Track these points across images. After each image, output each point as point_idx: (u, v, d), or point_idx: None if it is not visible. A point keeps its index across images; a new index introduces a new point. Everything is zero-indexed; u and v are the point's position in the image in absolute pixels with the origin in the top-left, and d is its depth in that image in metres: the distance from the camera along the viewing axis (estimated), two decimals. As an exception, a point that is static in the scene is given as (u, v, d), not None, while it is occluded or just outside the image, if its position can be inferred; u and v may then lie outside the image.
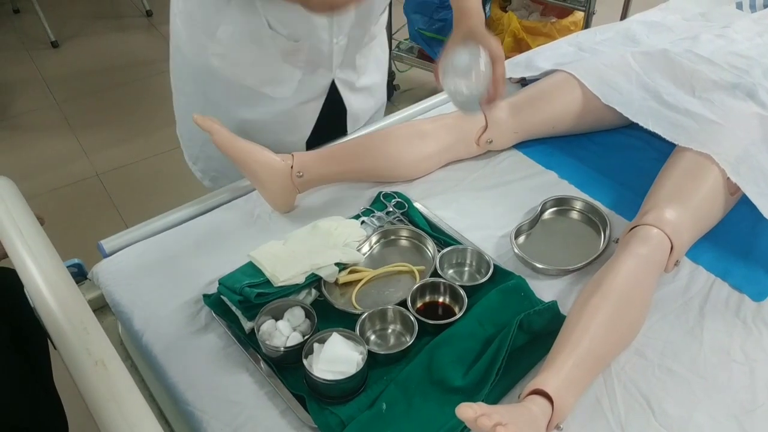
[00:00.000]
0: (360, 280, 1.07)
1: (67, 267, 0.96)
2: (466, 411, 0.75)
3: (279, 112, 1.29)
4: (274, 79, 1.25)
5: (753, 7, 1.69)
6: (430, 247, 1.12)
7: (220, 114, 1.16)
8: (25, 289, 0.91)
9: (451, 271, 1.09)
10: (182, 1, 1.22)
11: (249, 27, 1.17)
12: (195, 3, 1.20)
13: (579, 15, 2.43)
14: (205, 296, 1.04)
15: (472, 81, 1.01)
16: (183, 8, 1.23)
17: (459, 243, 1.12)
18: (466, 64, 1.01)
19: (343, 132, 1.41)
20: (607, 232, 1.15)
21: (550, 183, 1.28)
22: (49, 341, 1.08)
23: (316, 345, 0.93)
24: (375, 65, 1.39)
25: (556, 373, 0.86)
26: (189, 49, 1.25)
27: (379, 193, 1.24)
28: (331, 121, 1.38)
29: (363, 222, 1.17)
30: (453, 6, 1.17)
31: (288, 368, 0.95)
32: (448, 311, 1.02)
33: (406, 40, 2.86)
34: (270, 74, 1.24)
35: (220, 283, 1.02)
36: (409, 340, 0.95)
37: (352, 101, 1.37)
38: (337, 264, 1.05)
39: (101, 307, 1.12)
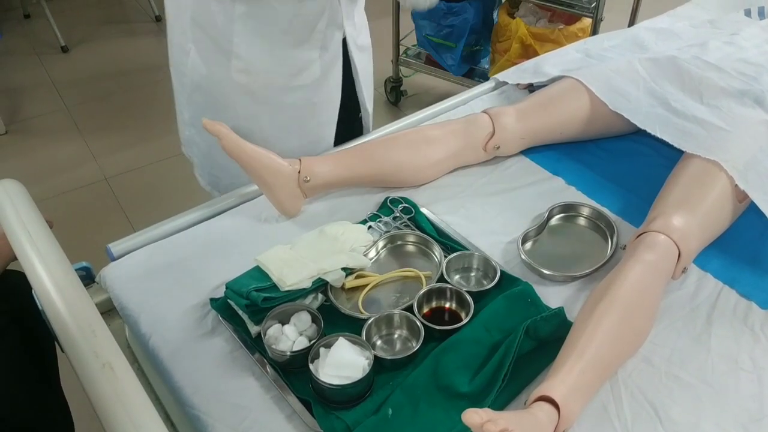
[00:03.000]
0: (366, 285, 1.07)
1: (76, 270, 0.96)
2: (473, 417, 0.74)
3: (309, 90, 1.32)
4: (301, 67, 1.28)
5: (761, 15, 1.68)
6: (437, 252, 1.12)
7: (244, 121, 1.21)
8: (33, 292, 0.92)
9: (457, 277, 1.09)
10: (191, 31, 1.25)
11: (260, 23, 1.19)
12: (204, 26, 1.23)
13: (587, 21, 2.42)
14: (212, 300, 1.04)
15: None
16: (194, 37, 1.26)
17: (466, 248, 1.12)
18: None
19: (356, 104, 1.44)
20: (615, 239, 1.15)
21: (558, 189, 1.28)
22: (56, 344, 1.09)
23: (322, 350, 0.93)
24: (364, 26, 1.41)
25: (563, 379, 0.86)
26: (210, 82, 1.29)
27: (386, 198, 1.24)
28: (345, 91, 1.41)
29: (370, 227, 1.18)
30: None
31: (294, 373, 0.95)
32: (455, 317, 1.02)
33: (413, 45, 2.87)
34: (297, 65, 1.27)
35: (227, 287, 1.03)
36: (416, 346, 0.95)
37: (358, 60, 1.39)
38: (343, 269, 1.05)
39: (109, 311, 1.12)
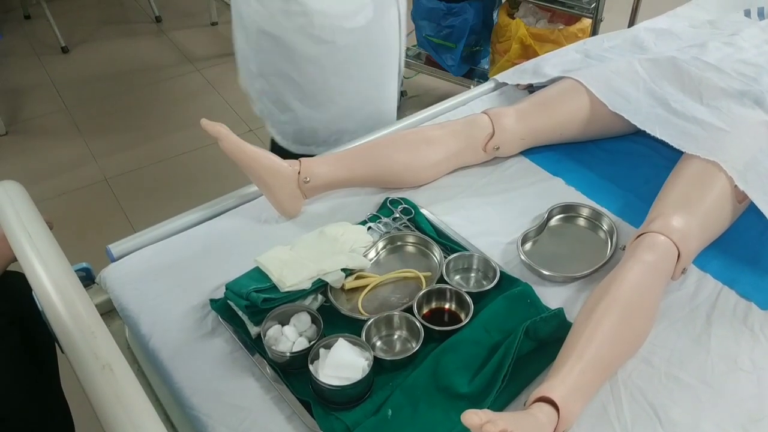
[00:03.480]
0: (366, 286, 1.07)
1: (76, 271, 0.96)
2: (472, 418, 0.74)
3: (364, 32, 1.36)
4: (355, 9, 1.32)
5: (761, 15, 1.68)
6: (437, 253, 1.12)
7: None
8: (33, 293, 0.92)
9: (457, 278, 1.10)
10: None
11: None
12: None
13: (586, 22, 2.42)
14: (212, 301, 1.04)
15: None
16: None
17: (465, 249, 1.12)
18: None
19: None
20: (614, 239, 1.15)
21: (557, 189, 1.28)
22: (56, 345, 1.09)
23: (322, 350, 0.93)
24: None
25: (563, 380, 0.86)
26: (272, 26, 1.33)
27: (386, 198, 1.24)
28: None
29: (369, 228, 1.18)
30: None
31: (294, 374, 0.95)
32: (454, 318, 1.02)
33: (413, 46, 2.87)
34: (351, 8, 1.32)
35: (226, 288, 1.03)
36: (415, 347, 0.95)
37: (402, 4, 1.43)
38: (343, 269, 1.05)
39: (109, 312, 1.13)
